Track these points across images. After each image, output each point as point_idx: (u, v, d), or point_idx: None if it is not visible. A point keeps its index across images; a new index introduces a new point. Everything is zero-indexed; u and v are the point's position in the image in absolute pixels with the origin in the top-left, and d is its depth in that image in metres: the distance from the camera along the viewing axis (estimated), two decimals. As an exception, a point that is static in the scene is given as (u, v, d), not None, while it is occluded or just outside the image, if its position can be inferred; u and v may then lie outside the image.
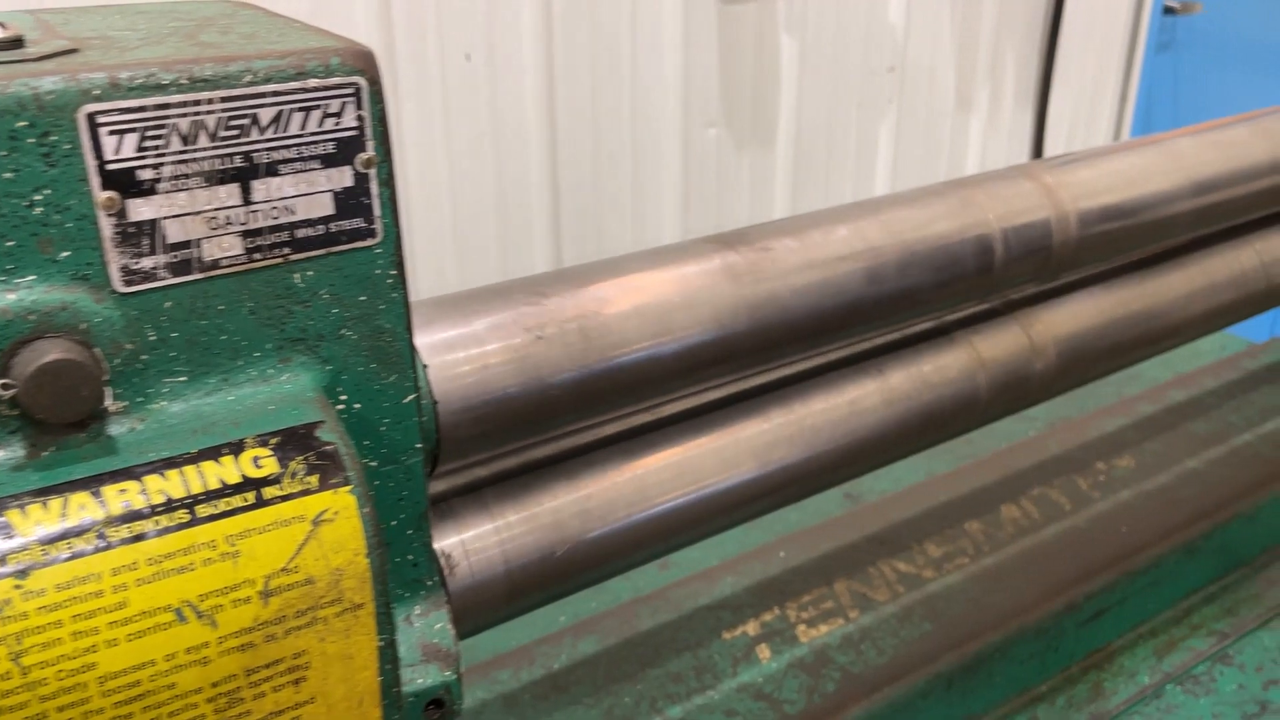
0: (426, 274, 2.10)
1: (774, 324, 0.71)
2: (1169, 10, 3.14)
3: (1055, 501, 1.32)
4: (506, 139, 2.09)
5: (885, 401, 0.79)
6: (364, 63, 0.52)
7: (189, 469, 0.49)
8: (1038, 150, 2.97)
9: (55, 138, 0.45)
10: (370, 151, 0.54)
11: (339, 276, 0.54)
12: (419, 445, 0.56)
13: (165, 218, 0.52)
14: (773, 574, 1.19)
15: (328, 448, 0.51)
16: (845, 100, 2.55)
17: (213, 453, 0.49)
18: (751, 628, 1.10)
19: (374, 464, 0.56)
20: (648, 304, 0.69)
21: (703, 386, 0.73)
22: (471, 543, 0.62)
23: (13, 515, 0.47)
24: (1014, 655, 1.11)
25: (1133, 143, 1.00)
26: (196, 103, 0.49)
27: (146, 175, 0.50)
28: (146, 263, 0.51)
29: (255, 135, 0.52)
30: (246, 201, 0.53)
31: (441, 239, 2.10)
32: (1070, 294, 0.96)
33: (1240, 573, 1.34)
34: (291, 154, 0.53)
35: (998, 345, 0.87)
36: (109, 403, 0.50)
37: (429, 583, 0.59)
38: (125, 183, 0.50)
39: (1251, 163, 1.05)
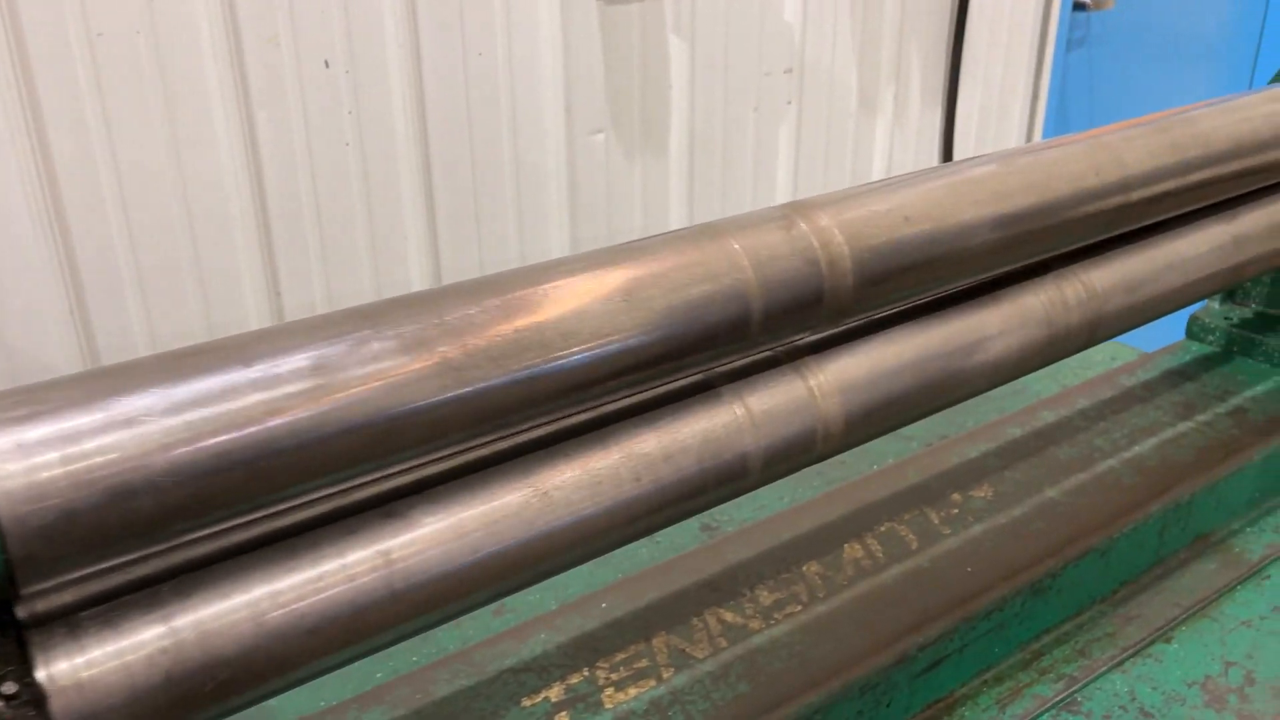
0: (294, 289, 2.01)
1: (488, 398, 0.63)
2: (1080, 6, 3.09)
3: (902, 539, 1.25)
4: (374, 150, 2.00)
5: (632, 475, 0.71)
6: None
7: None
8: (947, 150, 2.92)
9: None
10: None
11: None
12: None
13: None
14: (590, 628, 1.11)
15: None
16: (741, 103, 2.47)
17: None
18: (555, 693, 1.02)
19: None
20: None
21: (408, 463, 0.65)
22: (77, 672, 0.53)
23: None
24: (837, 715, 1.04)
25: (925, 172, 0.93)
26: None
27: None
28: None
29: None
30: None
31: (306, 253, 2.00)
32: (860, 340, 0.88)
33: (1096, 609, 1.28)
34: None
35: (773, 400, 0.79)
36: None
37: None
38: None
39: (1068, 190, 0.99)
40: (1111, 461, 1.39)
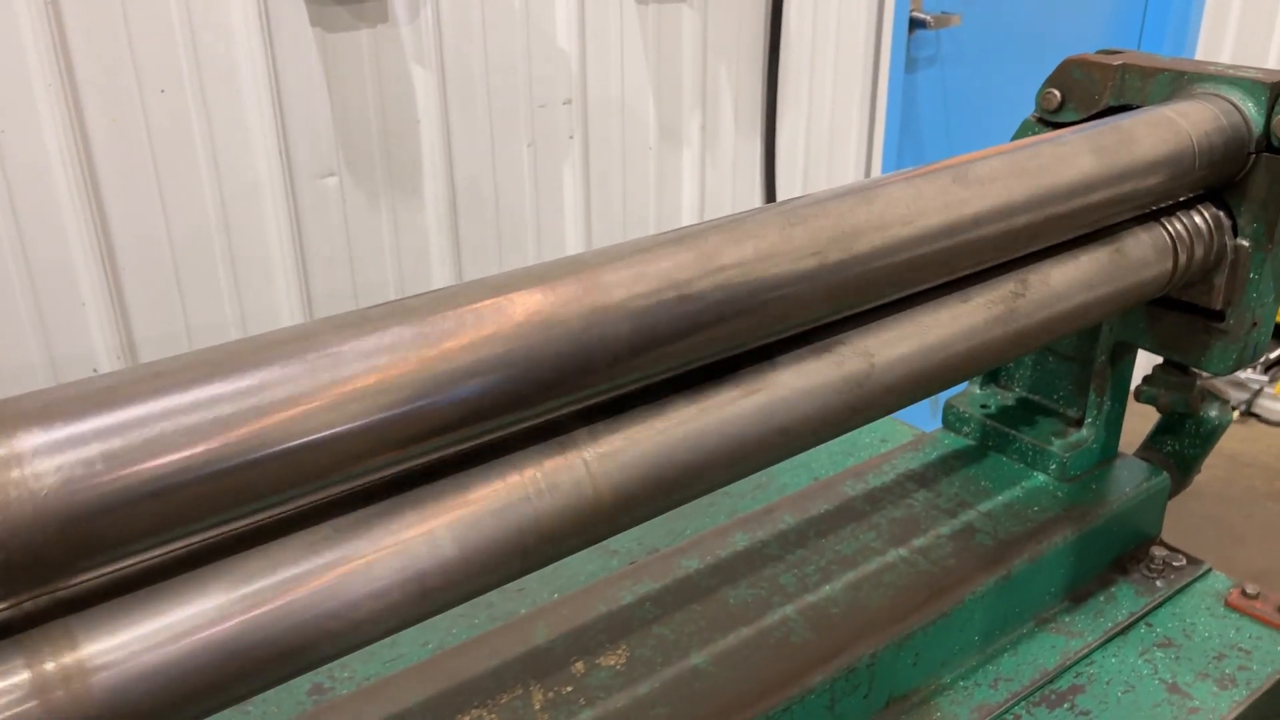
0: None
1: None
2: (920, 24, 2.85)
3: (483, 736, 0.99)
4: (30, 212, 1.71)
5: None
6: None
7: None
8: (769, 183, 2.66)
9: None
10: None
11: None
12: None
13: None
14: None
15: None
16: (510, 138, 2.20)
17: None
18: None
19: None
20: None
21: None
22: None
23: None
24: None
25: (704, 225, 0.73)
26: None
27: None
28: None
29: None
30: None
31: (-51, 329, 1.71)
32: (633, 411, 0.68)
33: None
34: None
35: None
36: None
37: None
38: None
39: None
40: (787, 610, 1.14)
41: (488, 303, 0.65)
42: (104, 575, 0.56)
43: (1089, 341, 1.35)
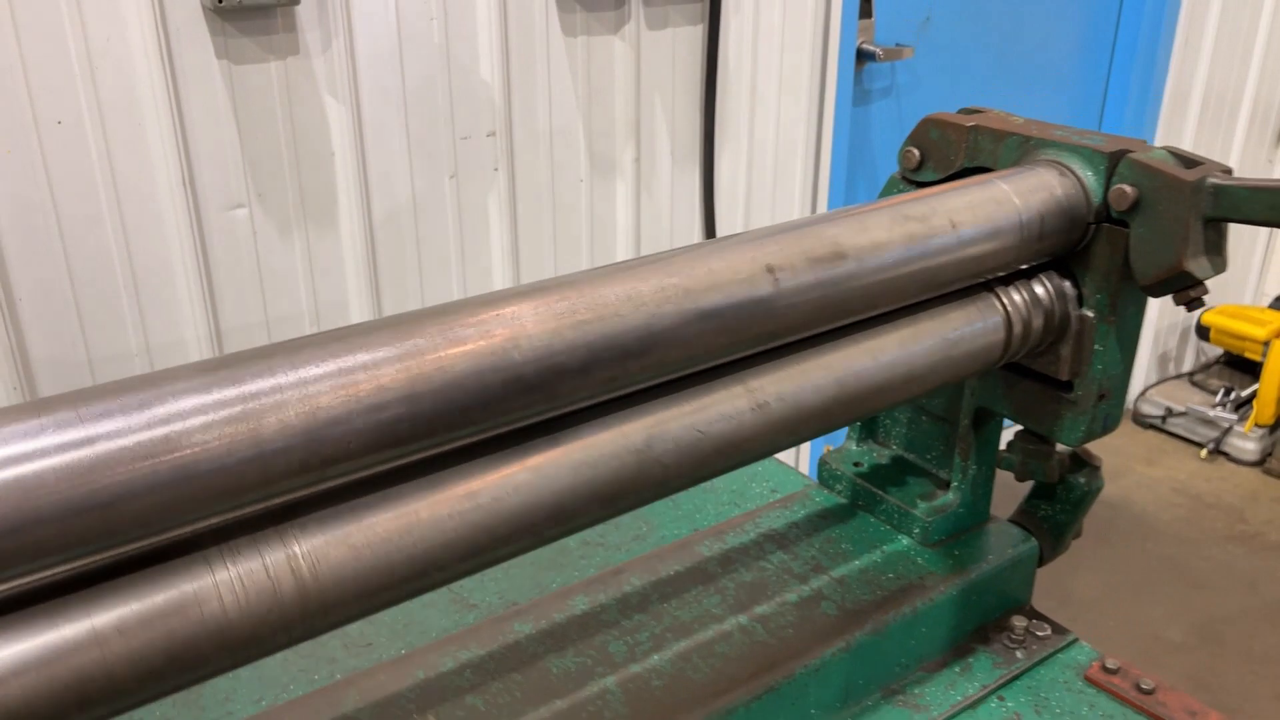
0: None
1: None
2: (868, 57, 2.82)
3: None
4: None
5: None
6: None
7: None
8: (709, 214, 2.64)
9: None
10: None
11: None
12: None
13: None
14: None
15: None
16: (431, 170, 2.19)
17: None
18: None
19: None
20: None
21: None
22: None
23: None
24: None
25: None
26: None
27: None
28: None
29: None
30: None
31: None
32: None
33: None
34: None
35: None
36: None
37: None
38: None
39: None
40: (608, 681, 1.11)
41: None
42: None
43: (955, 404, 1.32)
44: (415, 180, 2.18)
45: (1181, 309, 4.29)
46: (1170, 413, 3.93)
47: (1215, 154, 3.95)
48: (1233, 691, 2.67)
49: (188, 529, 0.66)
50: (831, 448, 1.51)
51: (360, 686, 1.11)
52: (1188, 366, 4.29)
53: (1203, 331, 3.99)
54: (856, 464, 1.43)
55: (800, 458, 3.16)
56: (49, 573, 0.64)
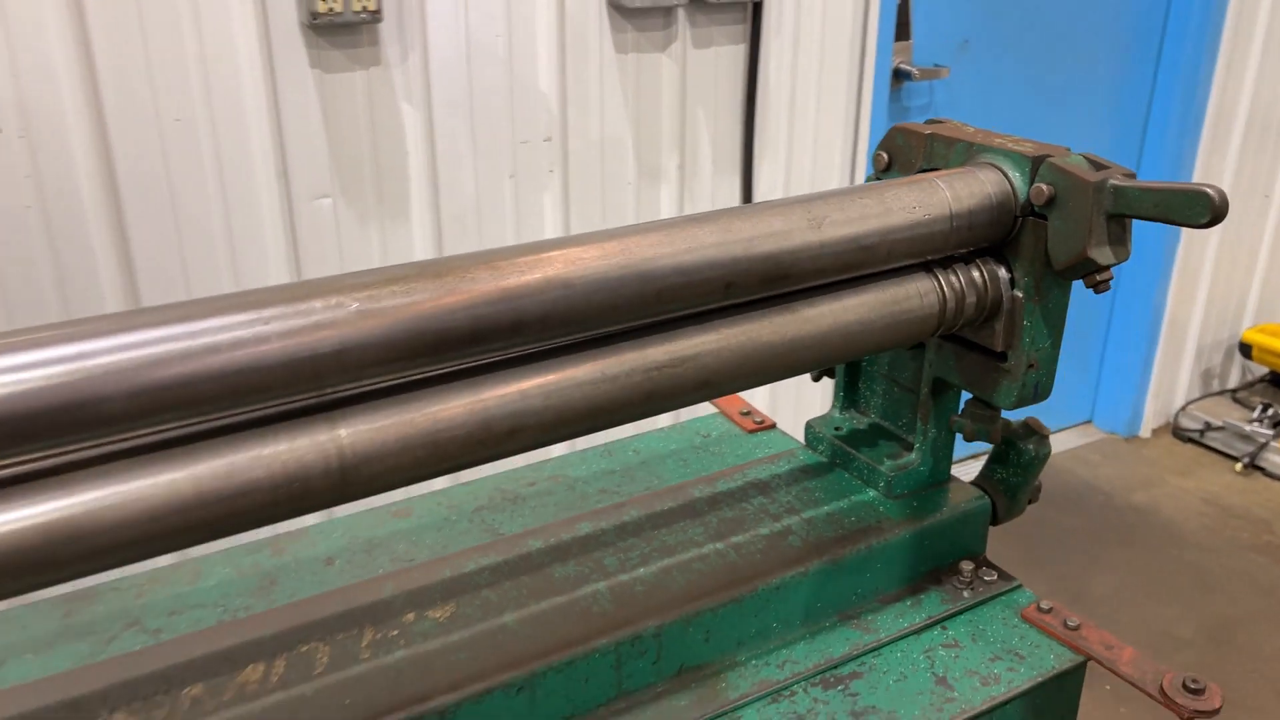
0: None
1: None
2: (904, 75, 3.02)
3: (314, 660, 1.22)
4: (59, 215, 2.02)
5: None
6: None
7: None
8: (748, 219, 2.86)
9: None
10: None
11: None
12: None
13: None
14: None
15: None
16: (493, 171, 2.46)
17: None
18: None
19: None
20: None
21: None
22: None
23: None
24: None
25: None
26: None
27: None
28: None
29: None
30: None
31: (-10, 314, 2.03)
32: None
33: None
34: None
35: None
36: None
37: None
38: None
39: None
40: (599, 585, 1.34)
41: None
42: None
43: (919, 376, 1.52)
44: (479, 179, 2.44)
45: (1225, 328, 4.34)
46: (1209, 427, 4.02)
47: (1260, 176, 4.03)
48: (1237, 687, 2.78)
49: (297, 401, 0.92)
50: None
51: (398, 579, 1.36)
52: (1233, 383, 4.37)
53: (1245, 349, 4.07)
54: (837, 429, 1.65)
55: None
56: (159, 430, 0.90)
